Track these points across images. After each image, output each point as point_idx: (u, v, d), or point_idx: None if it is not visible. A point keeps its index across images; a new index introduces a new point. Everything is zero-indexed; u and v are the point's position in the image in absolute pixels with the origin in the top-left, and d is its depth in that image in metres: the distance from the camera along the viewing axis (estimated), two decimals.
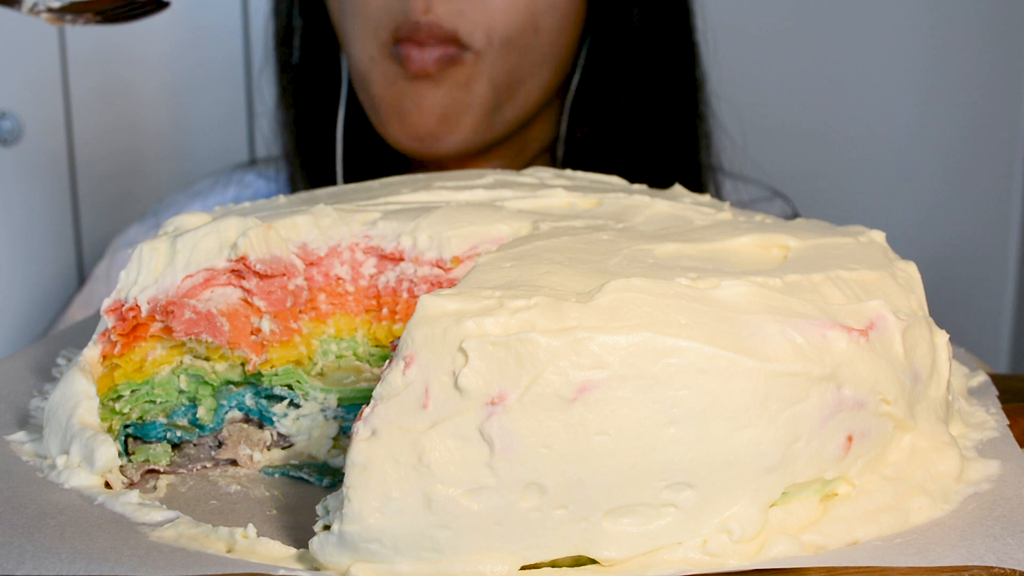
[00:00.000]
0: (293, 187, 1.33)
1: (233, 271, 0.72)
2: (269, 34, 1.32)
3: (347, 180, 1.27)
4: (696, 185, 1.28)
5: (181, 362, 0.73)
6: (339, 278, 0.76)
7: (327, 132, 1.28)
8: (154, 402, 0.72)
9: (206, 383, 0.73)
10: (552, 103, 1.26)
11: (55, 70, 1.54)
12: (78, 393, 0.68)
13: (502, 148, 1.25)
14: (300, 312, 0.75)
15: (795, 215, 1.40)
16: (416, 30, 1.12)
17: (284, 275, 0.73)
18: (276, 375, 0.73)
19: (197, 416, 0.73)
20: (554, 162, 1.29)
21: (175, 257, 0.71)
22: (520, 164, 1.29)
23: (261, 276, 0.72)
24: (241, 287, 0.72)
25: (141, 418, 0.72)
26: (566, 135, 1.26)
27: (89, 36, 1.54)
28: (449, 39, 1.12)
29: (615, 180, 0.91)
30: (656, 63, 1.25)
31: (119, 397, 0.71)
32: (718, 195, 1.32)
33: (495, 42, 1.13)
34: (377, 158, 1.28)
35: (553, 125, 1.29)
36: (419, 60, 1.13)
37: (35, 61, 1.53)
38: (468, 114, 1.16)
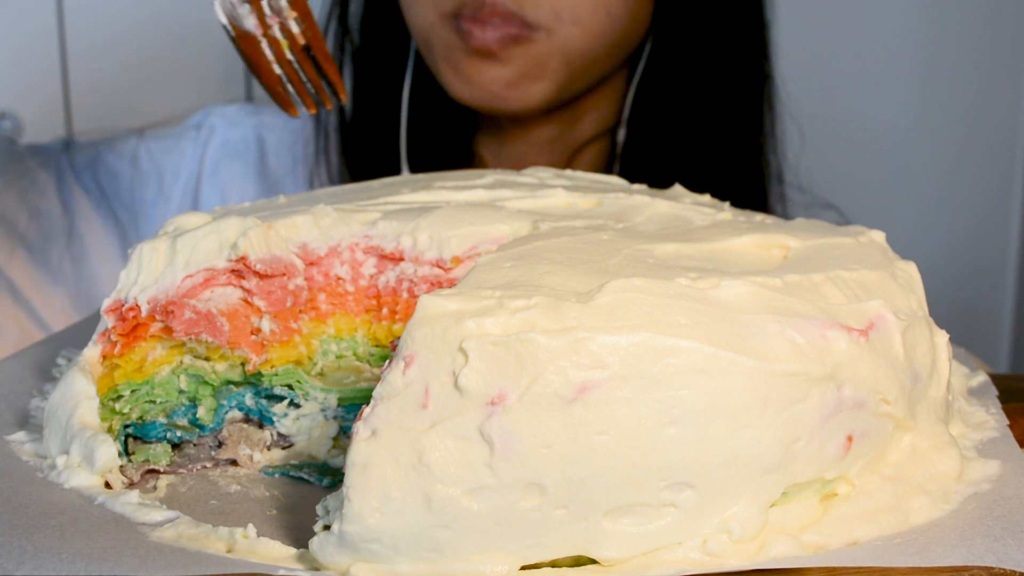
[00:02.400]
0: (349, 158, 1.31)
1: (233, 271, 0.72)
2: (325, 6, 1.31)
3: (411, 144, 1.27)
4: (759, 185, 1.28)
5: (181, 362, 0.73)
6: (339, 278, 0.76)
7: (390, 105, 1.27)
8: (154, 402, 0.72)
9: (206, 383, 0.73)
10: (613, 83, 1.26)
11: (55, 70, 1.54)
12: (78, 393, 0.68)
13: (556, 119, 1.25)
14: (300, 312, 0.75)
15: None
16: (480, 8, 1.11)
17: (284, 275, 0.73)
18: (276, 375, 0.73)
19: (197, 416, 0.73)
20: (613, 147, 1.28)
21: (175, 257, 0.71)
22: (576, 140, 1.28)
23: (261, 276, 0.72)
24: (241, 287, 0.72)
25: (141, 418, 0.72)
26: (628, 119, 1.25)
27: (89, 36, 1.55)
28: (513, 18, 1.12)
29: (615, 180, 0.91)
30: (723, 52, 1.24)
31: (119, 397, 0.71)
32: (781, 199, 1.32)
33: (565, 19, 1.12)
34: (440, 129, 1.28)
35: (612, 106, 1.28)
36: (480, 38, 1.12)
37: (35, 61, 1.53)
38: (540, 82, 1.16)
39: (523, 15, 1.11)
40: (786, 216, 1.30)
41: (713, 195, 0.88)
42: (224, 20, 0.78)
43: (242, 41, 0.79)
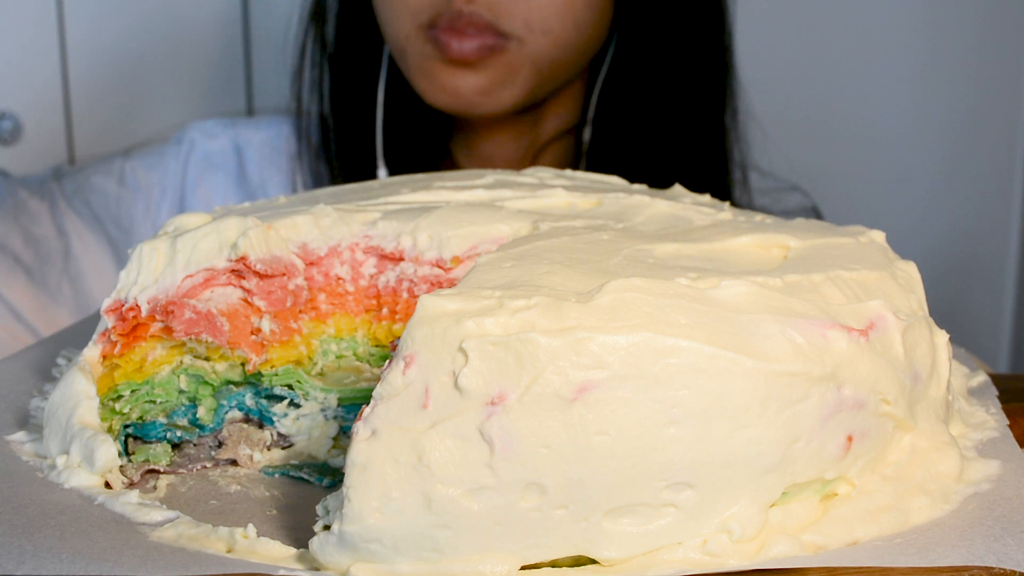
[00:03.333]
0: (328, 158, 1.34)
1: (233, 271, 0.72)
2: (305, 9, 1.33)
3: (389, 144, 1.29)
4: (723, 177, 1.31)
5: (181, 362, 0.73)
6: (339, 278, 0.76)
7: (366, 105, 1.30)
8: (154, 402, 0.72)
9: (206, 383, 0.73)
10: (574, 85, 1.29)
11: (55, 70, 1.54)
12: (78, 393, 0.68)
13: (520, 120, 1.28)
14: (300, 312, 0.75)
15: (814, 208, 1.42)
16: (457, 18, 1.14)
17: (284, 275, 0.73)
18: (276, 375, 0.73)
19: (197, 416, 0.73)
20: (579, 144, 1.31)
21: (175, 257, 0.71)
22: (540, 138, 1.31)
23: (261, 276, 0.72)
24: (241, 287, 0.72)
25: (141, 418, 0.72)
26: (594, 117, 1.29)
27: (90, 36, 1.55)
28: (488, 28, 1.15)
29: (615, 180, 0.91)
30: (683, 53, 1.27)
31: (119, 397, 0.71)
32: (745, 185, 1.35)
33: (536, 29, 1.16)
34: (417, 128, 1.30)
35: (575, 104, 1.31)
36: (458, 49, 1.15)
37: (35, 61, 1.53)
38: (511, 88, 1.19)
39: (497, 25, 1.15)
40: (751, 202, 1.34)
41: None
42: None
43: None
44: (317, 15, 1.32)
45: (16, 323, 1.25)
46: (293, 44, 1.34)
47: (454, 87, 1.19)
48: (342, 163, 1.31)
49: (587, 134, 1.29)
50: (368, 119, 1.30)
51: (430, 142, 1.31)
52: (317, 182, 1.33)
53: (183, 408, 0.73)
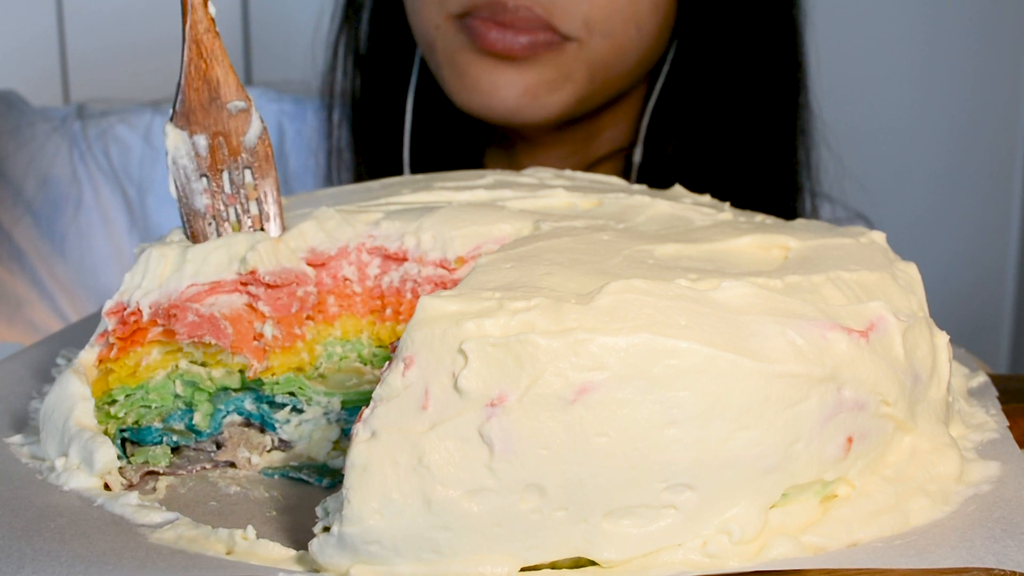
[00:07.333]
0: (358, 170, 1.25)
1: (242, 283, 0.71)
2: (338, 7, 1.25)
3: (418, 158, 1.19)
4: (789, 207, 1.20)
5: (176, 367, 0.72)
6: (346, 279, 0.76)
7: (395, 111, 1.20)
8: (149, 407, 0.72)
9: (201, 389, 0.73)
10: (631, 100, 1.20)
11: (55, 67, 1.54)
12: (73, 395, 0.68)
13: (571, 136, 1.19)
14: (308, 317, 0.74)
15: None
16: (500, 11, 1.04)
17: (294, 283, 0.73)
18: (277, 384, 0.72)
19: (193, 422, 0.73)
20: (628, 165, 1.22)
21: (184, 266, 0.70)
22: (589, 158, 1.23)
23: (270, 287, 0.72)
24: (248, 293, 0.72)
25: (137, 423, 0.72)
26: (645, 138, 1.19)
27: (87, 16, 1.54)
28: (541, 25, 1.05)
29: (615, 180, 0.91)
30: (748, 67, 1.17)
31: (113, 401, 0.71)
32: (815, 217, 1.24)
33: (596, 32, 1.06)
34: (448, 138, 1.21)
35: (628, 124, 1.22)
36: (501, 42, 1.04)
37: (35, 57, 1.53)
38: (560, 93, 1.09)
39: (554, 24, 1.05)
40: None
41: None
42: (174, 193, 0.72)
43: (190, 218, 0.73)
44: (349, 14, 1.23)
45: (18, 265, 1.19)
46: (324, 42, 1.24)
47: (491, 86, 1.07)
48: (369, 171, 1.21)
49: (637, 155, 1.18)
50: (396, 127, 1.20)
51: (462, 155, 1.20)
52: (354, 175, 1.24)
53: (179, 413, 0.73)
